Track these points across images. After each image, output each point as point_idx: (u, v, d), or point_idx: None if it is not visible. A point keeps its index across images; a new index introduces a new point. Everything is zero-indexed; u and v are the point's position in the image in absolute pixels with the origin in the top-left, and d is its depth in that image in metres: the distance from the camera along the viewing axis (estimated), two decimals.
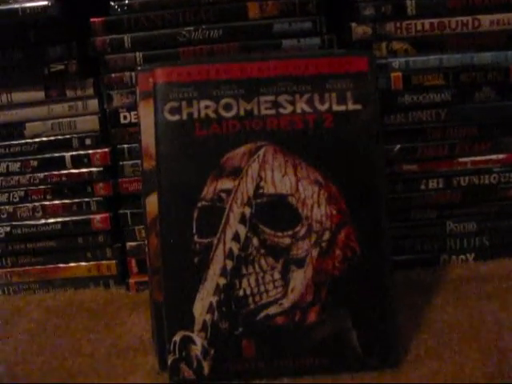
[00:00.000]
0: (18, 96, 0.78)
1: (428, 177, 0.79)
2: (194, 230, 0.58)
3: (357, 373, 0.58)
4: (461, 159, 0.79)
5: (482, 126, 0.78)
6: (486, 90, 0.77)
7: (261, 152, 0.58)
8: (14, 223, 0.81)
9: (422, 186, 0.79)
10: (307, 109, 0.59)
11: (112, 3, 0.76)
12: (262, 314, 0.58)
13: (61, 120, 0.78)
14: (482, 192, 0.80)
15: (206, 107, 0.59)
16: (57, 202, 0.80)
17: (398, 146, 0.77)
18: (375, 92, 0.60)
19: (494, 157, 0.79)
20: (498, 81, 0.77)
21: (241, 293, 0.58)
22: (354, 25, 0.75)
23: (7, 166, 0.80)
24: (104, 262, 0.82)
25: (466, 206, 0.80)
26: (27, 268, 0.82)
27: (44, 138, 0.79)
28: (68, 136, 0.79)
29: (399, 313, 0.62)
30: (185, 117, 0.59)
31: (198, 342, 0.58)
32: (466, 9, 0.75)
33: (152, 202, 0.60)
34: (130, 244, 0.80)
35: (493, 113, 0.78)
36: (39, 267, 0.82)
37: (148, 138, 0.61)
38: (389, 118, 0.77)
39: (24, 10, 0.73)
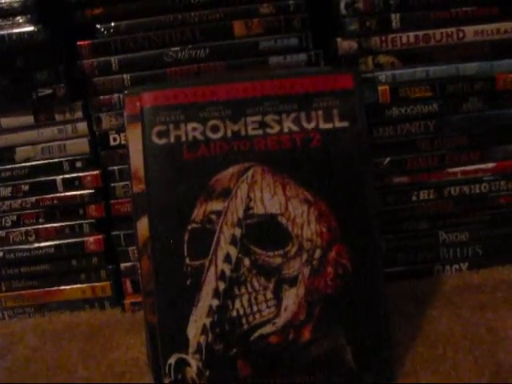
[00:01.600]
0: (7, 121, 0.78)
1: (419, 188, 0.79)
2: (186, 253, 0.58)
3: None
4: (451, 169, 0.79)
5: (471, 135, 0.78)
6: (473, 99, 0.77)
7: (249, 173, 0.58)
8: (6, 248, 0.81)
9: (414, 198, 0.79)
10: (294, 128, 0.59)
11: (98, 26, 0.76)
12: (256, 334, 0.58)
13: (51, 144, 0.79)
14: (474, 201, 0.80)
15: (194, 129, 0.59)
16: (49, 225, 0.80)
17: (388, 159, 0.78)
18: (362, 108, 0.60)
19: (483, 166, 0.79)
20: (485, 90, 0.77)
21: (234, 313, 0.58)
22: (339, 40, 0.75)
23: None
24: (98, 283, 0.81)
25: (457, 216, 0.80)
26: (21, 292, 0.82)
27: (34, 162, 0.79)
28: (58, 159, 0.79)
29: (394, 325, 0.62)
30: (172, 140, 0.59)
31: (193, 364, 0.58)
32: (450, 20, 0.75)
33: (143, 225, 0.60)
34: (124, 265, 0.80)
35: (481, 122, 0.78)
36: (34, 291, 0.82)
37: (137, 161, 0.61)
38: (378, 131, 0.77)
39: (10, 36, 0.73)
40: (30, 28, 0.73)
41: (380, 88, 0.76)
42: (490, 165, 0.79)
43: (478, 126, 0.78)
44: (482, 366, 0.60)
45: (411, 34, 0.75)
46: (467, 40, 0.76)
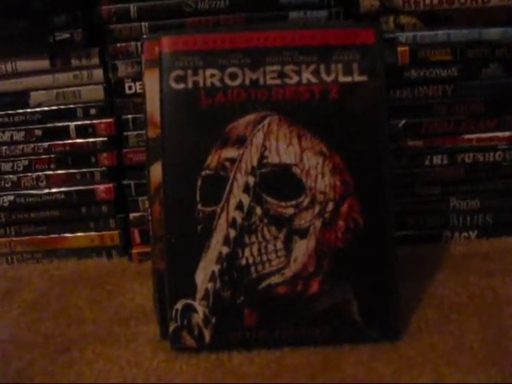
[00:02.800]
0: (23, 65, 0.77)
1: (432, 153, 0.79)
2: (198, 199, 0.58)
3: (357, 343, 0.58)
4: (466, 136, 0.78)
5: (489, 102, 0.77)
6: (494, 66, 0.76)
7: (266, 122, 0.58)
8: (17, 192, 0.81)
9: (427, 162, 0.79)
10: (313, 79, 0.59)
11: None
12: (264, 284, 0.58)
13: (65, 89, 0.78)
14: (487, 169, 0.79)
15: (212, 76, 0.58)
16: (61, 171, 0.80)
17: (404, 122, 0.77)
18: (381, 64, 0.59)
19: (499, 134, 0.78)
20: (506, 57, 0.76)
21: (243, 262, 0.58)
22: None
23: (11, 135, 0.79)
24: (107, 232, 0.82)
25: (470, 183, 0.80)
26: (30, 237, 0.82)
27: (48, 107, 0.79)
28: (72, 105, 0.79)
29: (401, 286, 0.62)
30: (190, 85, 0.58)
31: (200, 310, 0.58)
32: None
33: (156, 170, 0.60)
34: (133, 215, 0.80)
35: (499, 90, 0.77)
36: (42, 237, 0.82)
37: (153, 106, 0.60)
38: (395, 92, 0.76)
39: None
40: None
41: (400, 49, 0.75)
42: (506, 133, 0.78)
43: (497, 94, 0.77)
44: (485, 328, 0.60)
45: None
46: (492, 4, 0.74)
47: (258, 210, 0.58)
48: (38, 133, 0.79)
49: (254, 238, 0.58)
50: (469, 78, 0.77)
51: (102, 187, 0.80)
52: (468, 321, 0.61)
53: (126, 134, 0.79)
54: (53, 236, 0.82)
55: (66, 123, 0.79)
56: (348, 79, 0.59)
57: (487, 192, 0.80)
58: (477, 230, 0.81)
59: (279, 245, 0.58)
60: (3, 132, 0.79)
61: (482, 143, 0.78)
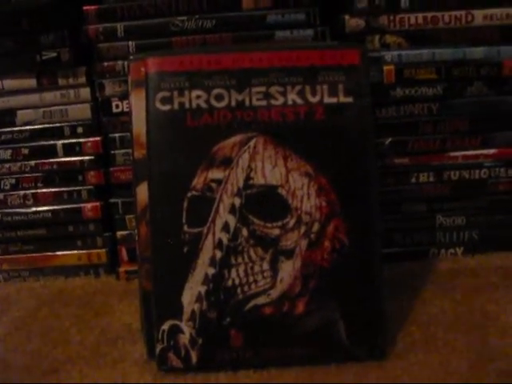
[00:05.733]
0: (10, 83, 0.77)
1: (419, 170, 0.79)
2: (184, 220, 0.58)
3: (344, 364, 0.58)
4: (452, 153, 0.79)
5: (474, 120, 0.78)
6: (478, 84, 0.77)
7: (251, 143, 0.58)
8: (4, 211, 0.81)
9: (413, 180, 0.79)
10: (298, 100, 0.59)
11: None
12: (251, 304, 0.58)
13: (52, 108, 0.78)
14: (472, 186, 0.80)
15: (198, 97, 0.59)
16: (48, 190, 0.80)
17: (390, 140, 0.78)
18: (367, 85, 0.60)
19: (484, 151, 0.79)
20: (490, 76, 0.77)
21: (229, 283, 0.58)
22: (347, 17, 0.75)
23: None
24: (94, 250, 0.82)
25: (456, 200, 0.80)
26: (17, 256, 0.82)
27: (35, 126, 0.79)
28: (59, 124, 0.79)
29: (387, 305, 0.62)
30: (176, 106, 0.58)
31: (186, 331, 0.58)
32: (460, 3, 0.75)
33: (142, 191, 0.60)
34: (120, 233, 0.80)
35: (484, 107, 0.78)
36: (29, 255, 0.82)
37: (139, 126, 0.61)
38: (380, 111, 0.77)
39: None
40: None
41: (385, 68, 0.76)
42: (491, 151, 0.79)
43: (481, 111, 0.78)
44: (472, 347, 0.60)
45: (420, 15, 0.75)
46: (476, 24, 0.75)
47: (244, 231, 0.58)
48: (25, 151, 0.79)
49: (240, 259, 0.58)
50: (454, 96, 0.77)
51: (89, 206, 0.80)
52: (455, 339, 0.61)
53: (113, 152, 0.79)
54: (40, 254, 0.82)
55: (53, 142, 0.79)
56: (333, 100, 0.59)
57: (473, 209, 0.81)
58: (463, 246, 0.81)
59: (265, 265, 0.58)
60: None
61: (467, 160, 0.79)
